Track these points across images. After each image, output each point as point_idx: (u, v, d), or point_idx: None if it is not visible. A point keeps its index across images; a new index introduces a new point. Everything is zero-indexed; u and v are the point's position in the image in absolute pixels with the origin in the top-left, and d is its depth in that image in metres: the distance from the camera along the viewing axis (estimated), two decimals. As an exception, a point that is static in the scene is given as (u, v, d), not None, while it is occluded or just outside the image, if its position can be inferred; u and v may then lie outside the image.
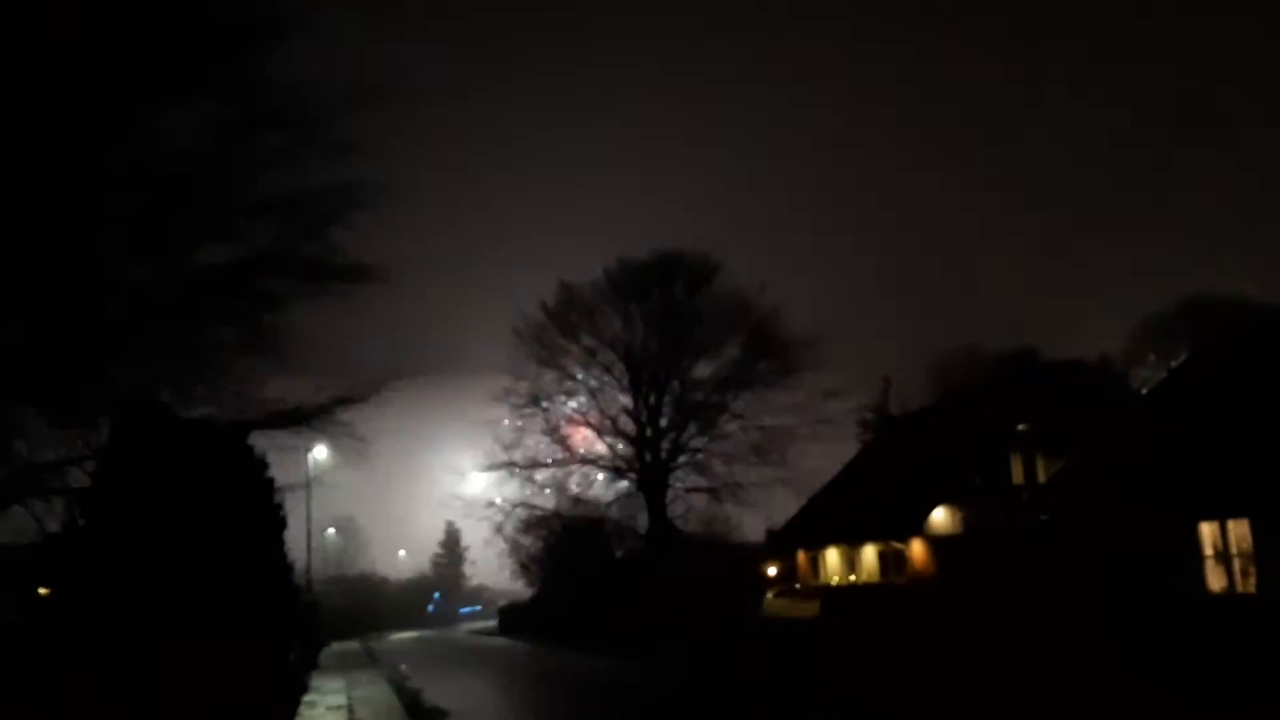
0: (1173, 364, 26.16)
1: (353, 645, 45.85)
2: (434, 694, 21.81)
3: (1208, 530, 21.32)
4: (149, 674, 11.57)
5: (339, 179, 14.97)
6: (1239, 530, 20.79)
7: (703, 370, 47.92)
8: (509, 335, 47.90)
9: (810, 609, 34.74)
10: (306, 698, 20.99)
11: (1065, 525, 24.98)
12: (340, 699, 21.43)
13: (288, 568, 18.79)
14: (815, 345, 45.06)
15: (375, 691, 23.02)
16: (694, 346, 47.16)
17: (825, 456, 45.80)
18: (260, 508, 15.04)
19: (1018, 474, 32.48)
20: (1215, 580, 21.14)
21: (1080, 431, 28.37)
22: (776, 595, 38.61)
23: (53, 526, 14.28)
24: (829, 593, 35.41)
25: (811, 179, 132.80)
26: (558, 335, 47.45)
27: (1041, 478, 31.56)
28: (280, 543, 16.80)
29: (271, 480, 15.71)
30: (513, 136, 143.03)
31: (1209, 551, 21.28)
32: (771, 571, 40.53)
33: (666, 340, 46.73)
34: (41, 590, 14.32)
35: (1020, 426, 32.71)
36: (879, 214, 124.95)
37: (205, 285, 14.43)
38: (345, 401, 18.02)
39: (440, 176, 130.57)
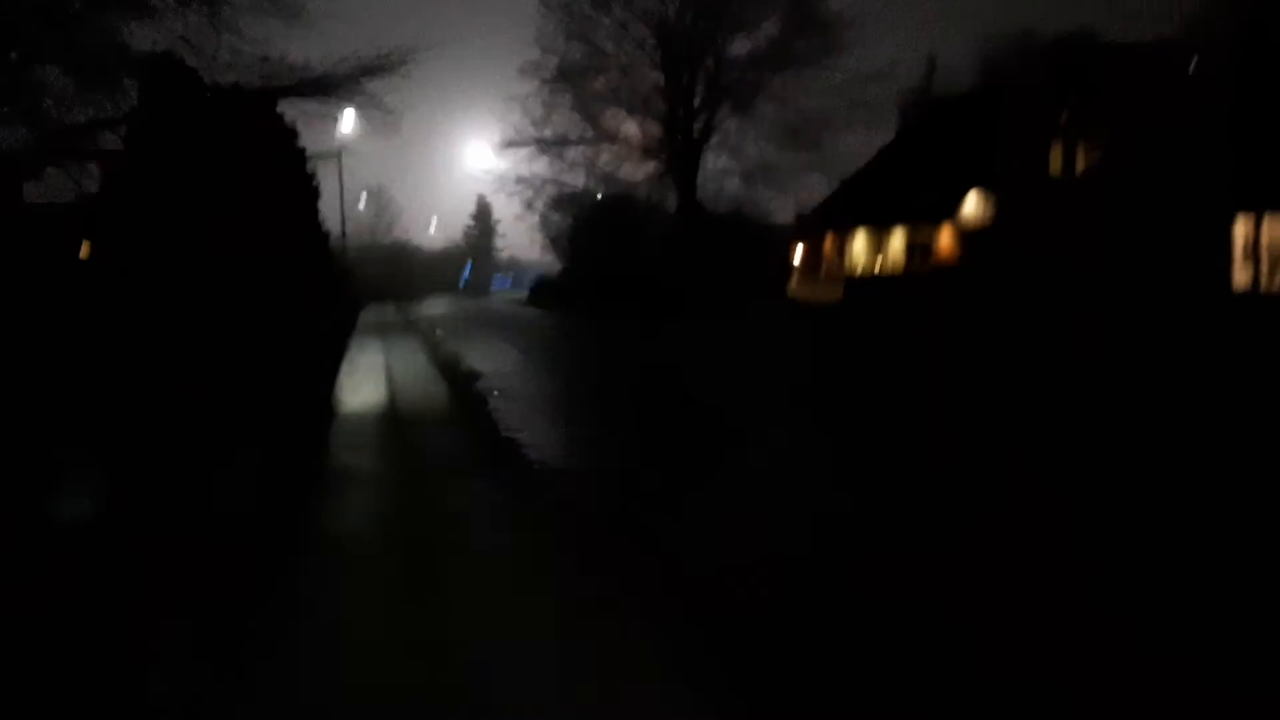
0: (1228, 48, 24.46)
1: (387, 312, 47.56)
2: (467, 357, 22.79)
3: (1241, 224, 21.18)
4: (197, 337, 12.01)
5: None
6: (1275, 229, 20.65)
7: (739, 47, 46.16)
8: (538, 5, 45.95)
9: (834, 293, 35.45)
10: (346, 358, 22.03)
11: (1095, 217, 24.81)
12: (378, 358, 22.50)
13: (324, 236, 19.11)
14: (859, 25, 43.04)
15: (411, 354, 24.06)
16: (730, 22, 45.04)
17: (863, 142, 44.93)
18: (293, 175, 15.07)
19: (1056, 165, 31.81)
20: (1241, 276, 21.27)
21: (1126, 121, 27.46)
22: (802, 279, 39.29)
23: (91, 189, 14.47)
24: (853, 279, 35.98)
25: None
26: (588, 6, 45.36)
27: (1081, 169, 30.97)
28: (315, 212, 16.99)
29: (303, 149, 15.63)
30: None
31: (1239, 246, 21.28)
32: (798, 257, 40.97)
33: (702, 14, 44.57)
34: (83, 253, 14.66)
35: (1064, 114, 31.64)
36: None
37: None
38: (373, 70, 17.68)
39: None
